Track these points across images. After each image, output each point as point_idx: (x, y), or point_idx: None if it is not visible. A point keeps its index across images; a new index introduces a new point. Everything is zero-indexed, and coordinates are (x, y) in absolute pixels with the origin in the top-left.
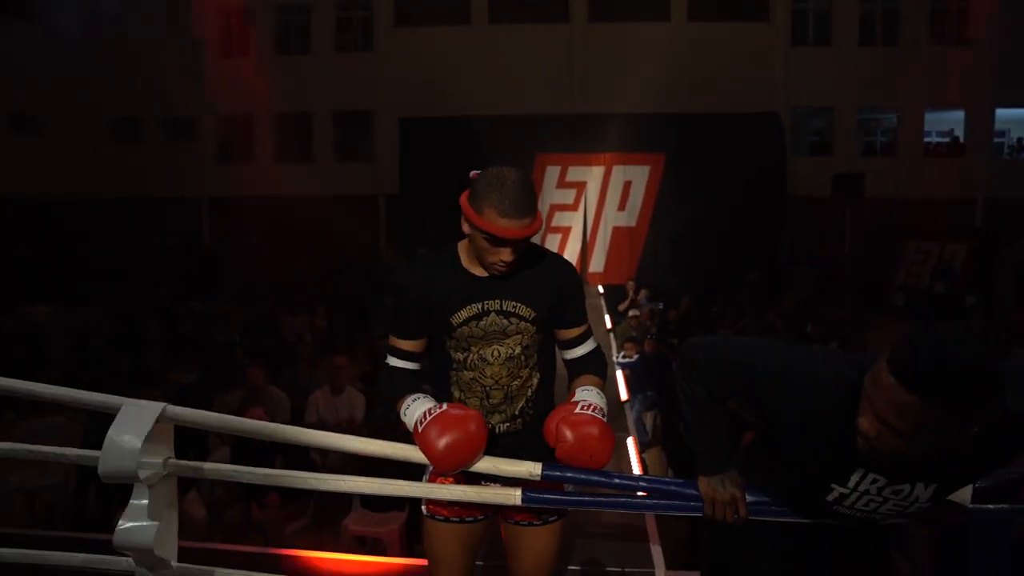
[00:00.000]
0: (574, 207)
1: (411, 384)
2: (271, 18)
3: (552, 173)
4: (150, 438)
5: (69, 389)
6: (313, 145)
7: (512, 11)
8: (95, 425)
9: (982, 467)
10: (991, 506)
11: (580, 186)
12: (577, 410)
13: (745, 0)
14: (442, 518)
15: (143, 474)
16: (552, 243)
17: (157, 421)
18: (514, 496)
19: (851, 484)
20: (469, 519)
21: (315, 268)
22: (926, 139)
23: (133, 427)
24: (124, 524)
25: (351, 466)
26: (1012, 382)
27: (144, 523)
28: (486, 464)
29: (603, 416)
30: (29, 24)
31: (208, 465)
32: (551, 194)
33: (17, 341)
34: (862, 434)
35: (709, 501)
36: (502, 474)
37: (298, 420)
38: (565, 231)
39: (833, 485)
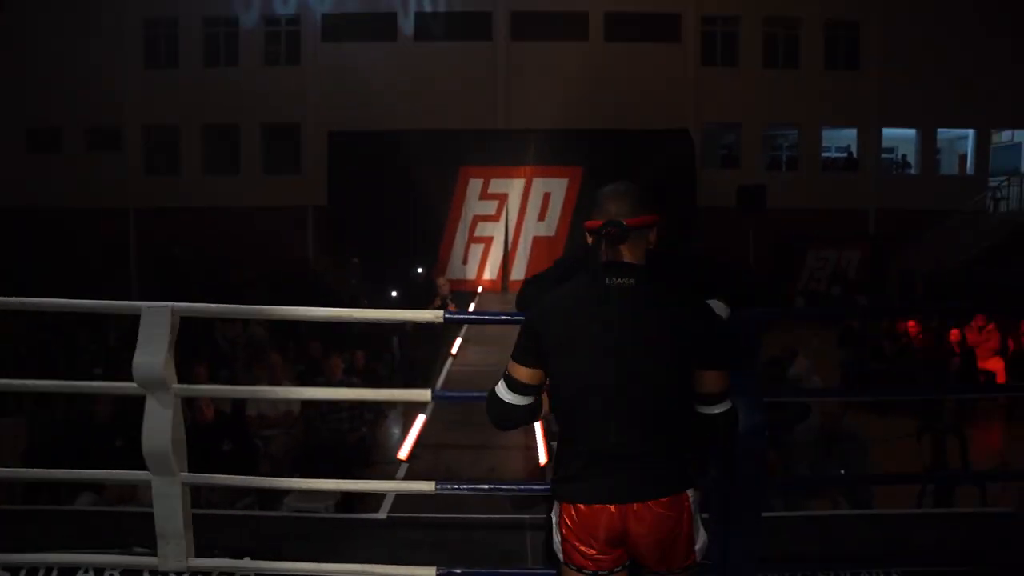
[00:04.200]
0: (496, 218)
1: None
2: (198, 30)
3: (475, 185)
4: (168, 359)
5: (89, 301)
6: (241, 157)
7: (437, 29)
8: (38, 427)
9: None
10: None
11: (502, 198)
12: None
13: (658, 22)
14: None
15: (167, 384)
16: (475, 252)
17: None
18: (425, 395)
19: None
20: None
21: (246, 277)
22: (825, 154)
23: (155, 335)
24: (147, 431)
25: (291, 452)
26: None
27: (162, 423)
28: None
29: None
30: None
31: (206, 387)
32: (474, 205)
33: None
34: None
35: None
36: None
37: (239, 414)
38: (488, 240)
39: None
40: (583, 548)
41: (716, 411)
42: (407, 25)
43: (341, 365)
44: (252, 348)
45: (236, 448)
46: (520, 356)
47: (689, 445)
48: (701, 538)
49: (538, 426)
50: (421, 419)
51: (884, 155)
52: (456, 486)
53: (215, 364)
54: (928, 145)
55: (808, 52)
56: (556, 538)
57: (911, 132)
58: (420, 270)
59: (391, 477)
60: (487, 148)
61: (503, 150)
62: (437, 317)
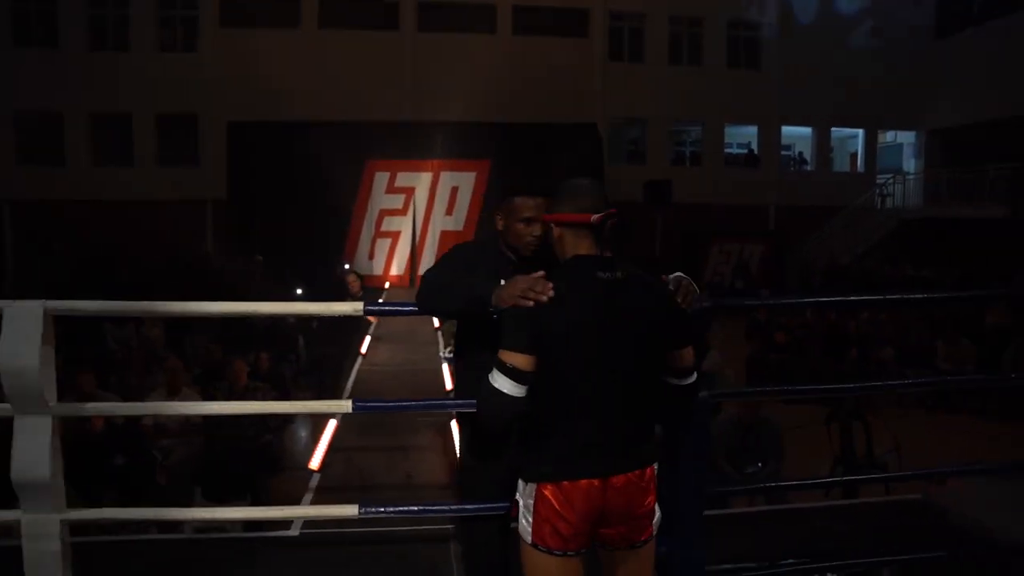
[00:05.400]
0: (403, 212)
1: None
2: (82, 10)
3: (381, 179)
4: (43, 371)
5: None
6: (134, 148)
7: (342, 17)
8: None
9: None
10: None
11: (409, 191)
12: None
13: (566, 17)
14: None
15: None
16: (382, 247)
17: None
18: (346, 405)
19: None
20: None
21: (139, 276)
22: (727, 151)
23: (25, 340)
24: (16, 459)
25: (192, 462)
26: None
27: (37, 449)
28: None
29: None
30: None
31: (91, 405)
32: (380, 199)
33: None
34: None
35: (518, 295)
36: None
37: (133, 424)
38: (395, 235)
39: None
40: (560, 526)
41: (689, 382)
42: (311, 11)
43: (245, 368)
44: (146, 352)
45: (130, 461)
46: (517, 343)
47: (654, 422)
48: (657, 512)
49: (455, 427)
50: (332, 424)
51: (782, 152)
52: (382, 509)
53: (105, 370)
54: (823, 143)
55: (711, 51)
56: (525, 521)
57: (807, 130)
58: (347, 266)
59: (301, 485)
60: (393, 141)
61: (410, 143)
62: (356, 310)
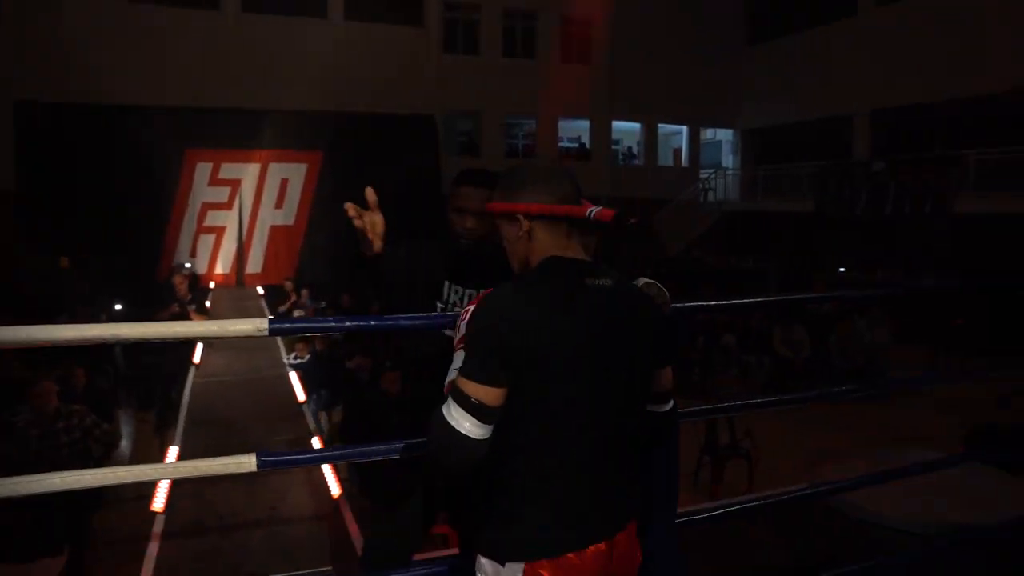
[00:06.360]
0: (228, 206)
1: None
2: None
3: (203, 170)
4: None
5: None
6: None
7: None
8: None
9: None
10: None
11: (234, 184)
12: None
13: (399, 4)
14: None
15: None
16: (206, 243)
17: None
18: (249, 463)
19: (445, 296)
20: None
21: None
22: (560, 144)
23: None
24: None
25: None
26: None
27: None
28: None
29: None
30: None
31: None
32: (203, 192)
33: None
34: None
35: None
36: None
37: None
38: (219, 231)
39: (437, 303)
40: None
41: (667, 408)
42: None
43: (55, 389)
44: None
45: None
46: (486, 375)
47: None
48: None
49: (316, 440)
50: (173, 452)
51: (613, 146)
52: None
53: None
54: (651, 138)
55: (544, 44)
56: None
57: (635, 126)
58: (188, 264)
59: (143, 525)
60: (216, 129)
61: (234, 132)
62: (260, 330)
